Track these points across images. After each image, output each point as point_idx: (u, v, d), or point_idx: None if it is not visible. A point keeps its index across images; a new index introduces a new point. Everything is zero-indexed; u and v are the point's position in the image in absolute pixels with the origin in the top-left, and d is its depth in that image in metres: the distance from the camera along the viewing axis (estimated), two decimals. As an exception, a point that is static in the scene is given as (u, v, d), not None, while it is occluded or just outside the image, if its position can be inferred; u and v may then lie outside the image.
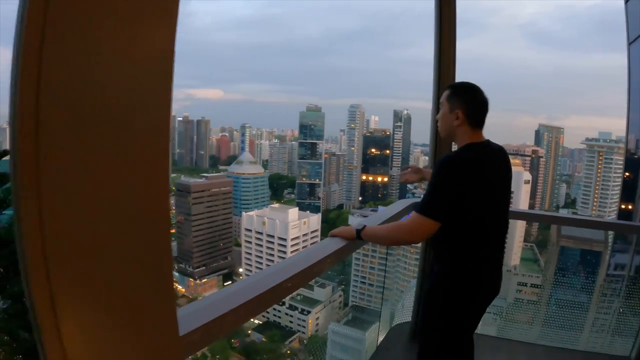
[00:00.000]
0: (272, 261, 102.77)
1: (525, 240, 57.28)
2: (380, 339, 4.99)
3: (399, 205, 4.21)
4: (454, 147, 2.92)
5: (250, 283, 2.00)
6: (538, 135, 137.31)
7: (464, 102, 2.71)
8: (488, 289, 2.84)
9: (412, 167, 3.77)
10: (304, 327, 77.75)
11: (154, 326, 1.16)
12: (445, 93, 2.80)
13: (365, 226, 2.83)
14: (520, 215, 5.95)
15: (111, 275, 0.99)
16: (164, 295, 1.17)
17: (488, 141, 2.79)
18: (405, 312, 5.35)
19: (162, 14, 0.99)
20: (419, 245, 4.65)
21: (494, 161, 2.79)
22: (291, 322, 79.03)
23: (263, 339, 70.13)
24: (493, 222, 2.79)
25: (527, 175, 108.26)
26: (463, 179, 2.54)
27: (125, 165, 0.95)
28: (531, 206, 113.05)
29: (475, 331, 3.14)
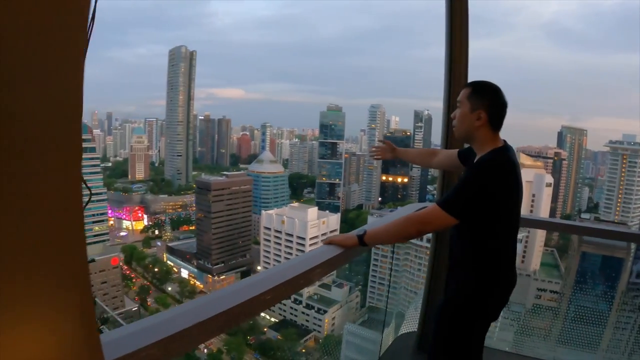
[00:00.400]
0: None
1: (545, 245, 56.33)
2: (386, 346, 4.85)
3: (407, 209, 4.09)
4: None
5: (220, 296, 1.93)
6: (561, 137, 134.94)
7: (487, 102, 2.65)
8: (499, 309, 2.78)
9: (389, 143, 3.70)
10: (320, 326, 77.72)
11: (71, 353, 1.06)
12: (466, 91, 2.71)
13: (366, 230, 2.77)
14: (541, 224, 5.78)
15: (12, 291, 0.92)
16: (79, 313, 1.06)
17: (507, 144, 2.72)
18: (412, 320, 5.18)
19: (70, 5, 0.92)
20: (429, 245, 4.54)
21: (519, 167, 2.70)
22: (307, 321, 79.01)
23: (279, 337, 70.24)
24: (516, 235, 2.73)
25: (549, 178, 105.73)
26: (498, 182, 2.52)
27: (25, 163, 0.90)
28: (552, 210, 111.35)
29: (486, 344, 3.03)
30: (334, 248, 2.70)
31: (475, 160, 2.71)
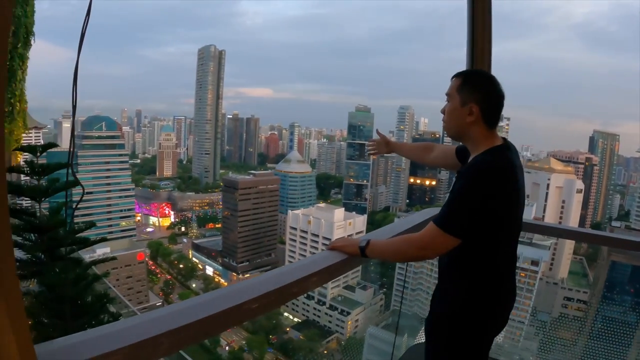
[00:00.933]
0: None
1: (574, 253, 55.79)
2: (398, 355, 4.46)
3: (417, 216, 3.75)
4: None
5: (200, 303, 1.78)
6: (592, 142, 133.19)
7: (480, 94, 2.30)
8: (500, 325, 2.49)
9: (383, 136, 3.56)
10: (343, 328, 77.72)
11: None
12: (455, 82, 2.37)
13: (369, 241, 2.47)
14: (569, 234, 5.11)
15: None
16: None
17: (508, 142, 2.38)
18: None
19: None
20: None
21: (521, 169, 2.35)
22: (330, 322, 78.96)
23: (301, 337, 70.22)
24: (516, 243, 2.44)
25: (580, 184, 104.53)
26: (498, 190, 2.16)
27: None
28: (582, 217, 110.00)
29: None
30: (335, 254, 2.50)
31: (468, 162, 2.39)
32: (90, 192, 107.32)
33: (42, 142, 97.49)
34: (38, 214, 11.19)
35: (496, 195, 2.13)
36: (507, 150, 2.30)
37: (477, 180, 2.15)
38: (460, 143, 2.70)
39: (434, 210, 3.71)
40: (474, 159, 2.32)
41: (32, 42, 19.59)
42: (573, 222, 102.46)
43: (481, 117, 2.28)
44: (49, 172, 11.89)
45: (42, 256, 10.86)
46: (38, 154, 11.99)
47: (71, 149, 2.52)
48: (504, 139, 2.37)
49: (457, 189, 2.19)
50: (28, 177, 11.66)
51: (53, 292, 9.80)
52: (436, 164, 3.37)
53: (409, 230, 3.17)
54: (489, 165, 2.19)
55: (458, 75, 2.39)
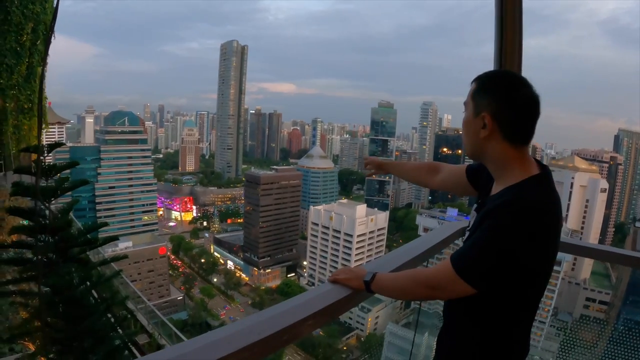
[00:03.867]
0: (337, 257, 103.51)
1: (597, 253, 55.15)
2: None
3: (440, 232, 3.14)
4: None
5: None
6: (617, 141, 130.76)
7: (494, 99, 1.74)
8: None
9: (372, 160, 2.84)
10: (363, 324, 77.74)
11: None
12: (472, 87, 1.84)
13: (375, 275, 2.06)
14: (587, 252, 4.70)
15: None
16: None
17: (546, 168, 1.83)
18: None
19: None
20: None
21: (561, 209, 1.82)
22: (351, 318, 78.99)
23: (321, 333, 70.05)
24: (539, 298, 1.92)
25: (604, 184, 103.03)
26: (536, 242, 1.66)
27: None
28: (606, 217, 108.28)
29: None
30: (337, 290, 2.09)
31: (497, 202, 1.73)
32: (113, 187, 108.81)
33: (65, 137, 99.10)
34: (47, 214, 11.14)
35: (533, 248, 1.66)
36: (547, 187, 1.77)
37: (512, 226, 1.64)
38: (476, 162, 2.14)
39: (453, 225, 3.23)
40: (505, 192, 1.77)
41: (52, 39, 19.64)
42: (596, 221, 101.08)
43: (499, 132, 1.75)
44: (59, 171, 11.84)
45: (53, 257, 10.80)
46: (45, 154, 11.95)
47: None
48: (539, 162, 1.83)
49: (486, 229, 1.70)
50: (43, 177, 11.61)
51: (57, 295, 9.75)
52: (445, 189, 2.67)
53: (430, 252, 2.77)
54: (533, 206, 1.67)
55: (475, 79, 1.85)
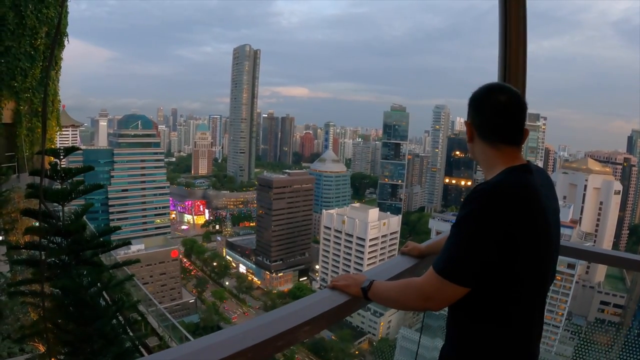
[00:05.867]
0: (349, 260, 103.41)
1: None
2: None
3: (445, 237, 2.87)
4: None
5: None
6: (631, 142, 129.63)
7: (473, 109, 1.92)
8: None
9: (412, 249, 2.65)
10: (375, 329, 77.34)
11: None
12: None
13: (372, 282, 2.03)
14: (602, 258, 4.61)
15: None
16: None
17: (531, 164, 1.88)
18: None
19: None
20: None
21: (550, 196, 1.85)
22: (363, 322, 78.79)
23: (333, 337, 69.93)
24: (543, 285, 1.85)
25: (618, 186, 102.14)
26: (508, 222, 1.63)
27: None
28: (620, 219, 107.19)
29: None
30: (335, 296, 2.06)
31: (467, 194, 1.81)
32: (126, 190, 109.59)
33: (78, 140, 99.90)
34: (61, 217, 11.25)
35: (508, 226, 1.62)
36: (525, 172, 1.79)
37: (478, 208, 1.66)
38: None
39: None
40: (479, 184, 1.80)
41: (65, 43, 19.86)
42: (611, 224, 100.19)
43: (477, 135, 1.90)
44: (74, 175, 11.92)
45: (66, 259, 10.89)
46: (61, 157, 12.04)
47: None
48: (528, 161, 1.88)
49: (455, 222, 1.74)
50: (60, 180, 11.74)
51: (67, 296, 9.82)
52: None
53: (428, 260, 2.56)
54: (493, 188, 1.70)
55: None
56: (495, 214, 1.62)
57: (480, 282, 1.68)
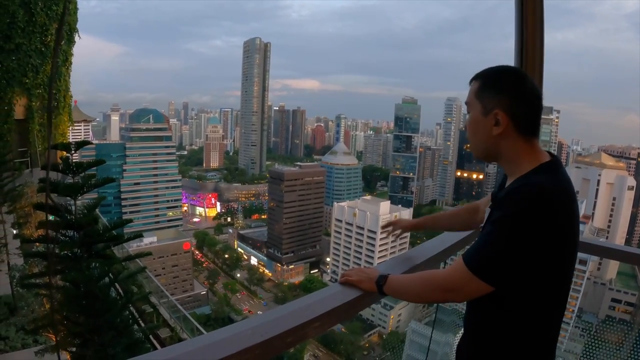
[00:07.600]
0: (360, 253, 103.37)
1: (625, 252, 54.52)
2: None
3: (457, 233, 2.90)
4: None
5: None
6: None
7: (506, 95, 1.72)
8: None
9: (395, 223, 2.82)
10: (385, 322, 77.41)
11: None
12: (473, 86, 1.82)
13: (387, 277, 1.98)
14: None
15: None
16: None
17: (557, 157, 1.79)
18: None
19: None
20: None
21: (575, 194, 1.76)
22: (373, 315, 78.85)
23: (343, 330, 70.07)
24: (568, 285, 1.79)
25: (631, 181, 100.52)
26: (554, 223, 1.58)
27: None
28: (633, 215, 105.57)
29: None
30: (347, 291, 2.01)
31: (504, 192, 1.70)
32: (138, 183, 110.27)
33: (91, 134, 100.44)
34: (73, 211, 11.42)
35: (545, 233, 1.59)
36: (557, 171, 1.72)
37: (525, 210, 1.59)
38: (496, 185, 2.13)
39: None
40: (513, 183, 1.75)
41: (75, 39, 20.08)
42: (623, 220, 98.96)
43: (512, 126, 1.73)
44: (84, 169, 12.10)
45: (78, 252, 11.05)
46: (73, 151, 12.21)
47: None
48: (551, 153, 1.80)
49: (494, 221, 1.66)
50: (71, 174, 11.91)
51: (79, 289, 9.99)
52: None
53: (445, 253, 2.63)
54: (540, 189, 1.61)
55: (476, 77, 1.84)
56: (540, 218, 1.57)
57: (508, 283, 1.66)
